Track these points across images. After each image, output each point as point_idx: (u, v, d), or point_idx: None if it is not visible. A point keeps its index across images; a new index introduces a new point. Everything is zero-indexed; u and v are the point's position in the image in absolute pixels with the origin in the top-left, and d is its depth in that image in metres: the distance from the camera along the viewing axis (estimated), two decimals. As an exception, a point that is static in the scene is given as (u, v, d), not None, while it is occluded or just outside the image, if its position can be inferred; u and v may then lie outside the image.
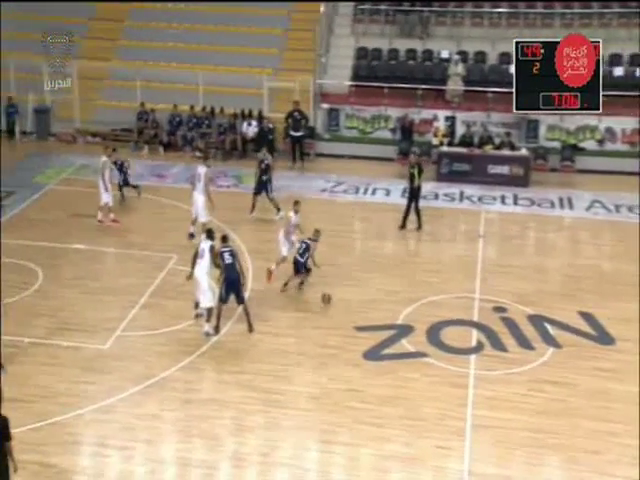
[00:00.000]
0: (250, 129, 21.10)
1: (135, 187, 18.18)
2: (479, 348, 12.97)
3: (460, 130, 20.91)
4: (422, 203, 17.61)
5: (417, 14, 23.11)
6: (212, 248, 12.99)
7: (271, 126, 20.64)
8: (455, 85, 21.46)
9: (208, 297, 12.98)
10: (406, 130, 21.10)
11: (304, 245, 14.32)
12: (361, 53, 22.98)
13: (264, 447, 10.84)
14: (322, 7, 23.11)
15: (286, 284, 14.46)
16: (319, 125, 21.92)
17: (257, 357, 12.75)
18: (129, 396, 11.73)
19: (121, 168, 17.82)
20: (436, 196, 19.11)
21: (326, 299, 14.09)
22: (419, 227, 17.13)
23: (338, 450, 10.84)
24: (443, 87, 21.55)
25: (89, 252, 15.88)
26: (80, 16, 24.42)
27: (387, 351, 12.92)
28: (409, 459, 10.61)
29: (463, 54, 22.26)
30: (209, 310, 13.03)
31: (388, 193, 19.18)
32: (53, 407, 11.34)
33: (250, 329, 13.29)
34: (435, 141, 20.58)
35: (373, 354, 12.83)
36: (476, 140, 20.47)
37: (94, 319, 13.58)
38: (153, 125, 21.49)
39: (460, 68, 21.65)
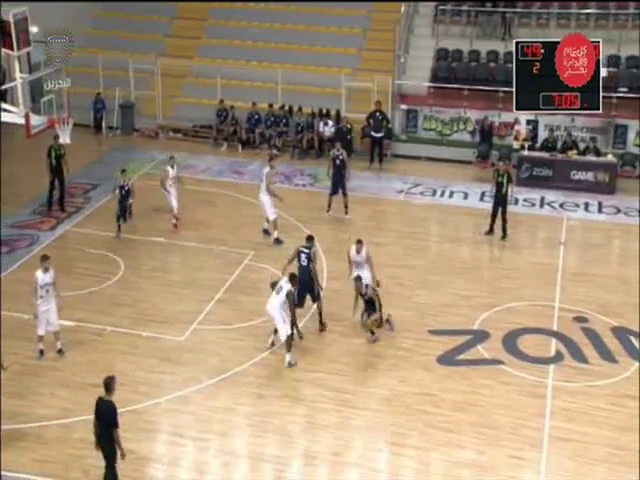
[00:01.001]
0: (327, 128, 21.17)
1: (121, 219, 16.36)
2: (558, 358, 12.65)
3: (542, 134, 20.42)
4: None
5: (500, 15, 22.68)
6: (289, 294, 12.42)
7: (349, 126, 20.63)
8: (538, 88, 20.97)
9: (284, 330, 12.46)
10: (485, 133, 20.77)
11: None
12: (441, 54, 22.70)
13: (335, 446, 10.87)
14: (402, 7, 22.96)
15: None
16: (397, 126, 21.78)
17: (330, 356, 12.78)
18: (204, 388, 11.95)
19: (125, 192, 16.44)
20: (515, 201, 18.66)
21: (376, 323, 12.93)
22: (504, 236, 16.64)
23: (409, 453, 10.77)
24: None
25: (168, 245, 16.25)
26: (164, 15, 25.06)
27: (461, 356, 12.75)
28: (481, 467, 10.45)
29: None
30: (288, 340, 12.51)
31: (466, 196, 18.90)
32: (132, 395, 11.65)
33: (322, 328, 13.32)
34: (516, 145, 20.16)
35: (447, 359, 12.68)
36: (559, 145, 19.95)
37: (172, 311, 13.89)
38: (232, 122, 21.81)
39: (544, 70, 21.14)
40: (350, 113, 21.25)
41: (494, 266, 15.94)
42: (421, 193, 19.16)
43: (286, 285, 12.41)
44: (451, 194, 19.11)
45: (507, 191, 16.51)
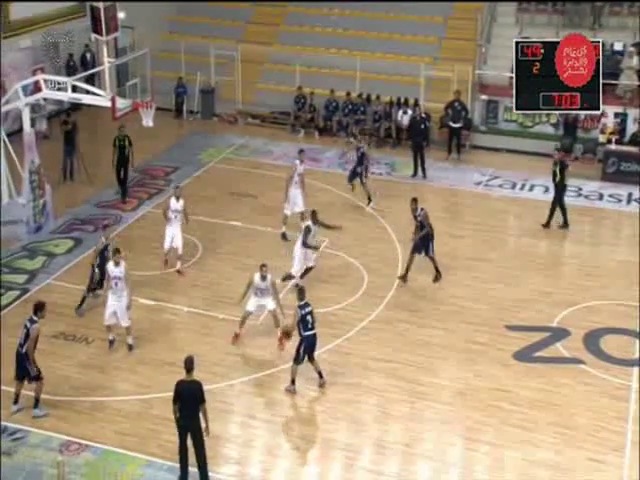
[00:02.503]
0: (405, 117, 20.92)
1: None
2: (643, 361, 12.21)
3: (631, 128, 19.63)
4: (585, 203, 16.92)
5: (589, 3, 21.87)
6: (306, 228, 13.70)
7: (424, 115, 20.19)
8: (628, 80, 20.16)
9: (295, 267, 13.67)
10: (569, 125, 20.11)
11: None
12: (525, 43, 22.07)
13: (407, 437, 10.80)
14: (486, -5, 22.45)
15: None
16: (476, 117, 21.33)
17: (403, 347, 12.68)
18: (277, 372, 12.04)
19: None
20: (600, 196, 18.09)
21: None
22: (547, 224, 16.43)
23: (483, 449, 10.60)
24: (614, 82, 20.28)
25: (244, 229, 16.41)
26: (245, 1, 25.23)
27: (539, 353, 12.44)
28: (559, 468, 10.18)
29: (639, 46, 20.83)
30: (287, 277, 13.75)
31: (547, 190, 18.35)
32: (207, 375, 11.76)
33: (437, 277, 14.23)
34: (602, 138, 19.46)
35: (524, 355, 12.39)
36: (650, 139, 19.18)
37: (247, 295, 13.97)
38: (310, 109, 21.83)
39: (635, 61, 20.30)
40: (429, 102, 20.94)
41: (575, 263, 15.44)
42: (500, 186, 18.74)
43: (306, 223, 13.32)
44: (531, 187, 18.61)
45: (562, 180, 16.26)
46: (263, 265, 12.51)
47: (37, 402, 10.93)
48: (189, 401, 9.66)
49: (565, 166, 16.38)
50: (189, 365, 9.78)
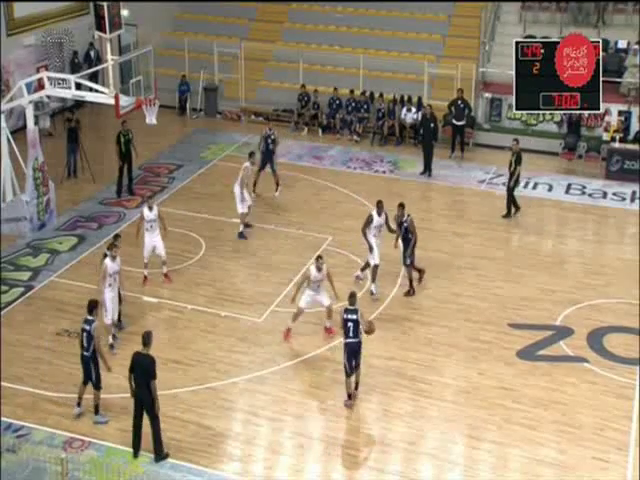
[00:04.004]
0: (409, 115, 20.90)
1: None
2: (647, 359, 12.17)
3: (635, 126, 19.57)
4: (589, 201, 16.99)
5: (593, 0, 21.80)
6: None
7: (428, 114, 20.07)
8: (632, 78, 20.10)
9: (371, 260, 13.50)
10: (573, 123, 20.06)
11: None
12: (529, 41, 22.04)
13: (411, 435, 10.78)
14: (490, -7, 22.40)
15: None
16: (480, 114, 21.30)
17: (407, 345, 12.67)
18: (280, 370, 12.04)
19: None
20: (604, 195, 18.03)
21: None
22: (507, 214, 16.74)
23: (487, 447, 10.58)
24: (618, 80, 20.23)
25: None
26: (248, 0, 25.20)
27: (543, 352, 12.41)
28: (563, 467, 10.16)
29: (643, 44, 20.79)
30: (373, 270, 13.56)
31: (550, 189, 18.34)
32: (210, 372, 11.86)
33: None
34: (606, 136, 19.41)
35: (528, 353, 12.37)
36: (655, 138, 19.14)
37: (251, 292, 14.04)
38: (313, 107, 21.81)
39: (639, 59, 20.25)
40: (432, 100, 20.91)
41: (579, 261, 15.40)
42: (503, 184, 18.59)
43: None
44: (535, 185, 18.56)
45: (514, 171, 16.48)
46: (319, 257, 12.51)
47: (97, 409, 10.82)
48: (140, 373, 9.95)
49: (519, 158, 16.56)
50: (146, 339, 10.07)
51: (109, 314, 12.21)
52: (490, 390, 11.59)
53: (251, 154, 16.26)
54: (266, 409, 11.22)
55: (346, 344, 11.19)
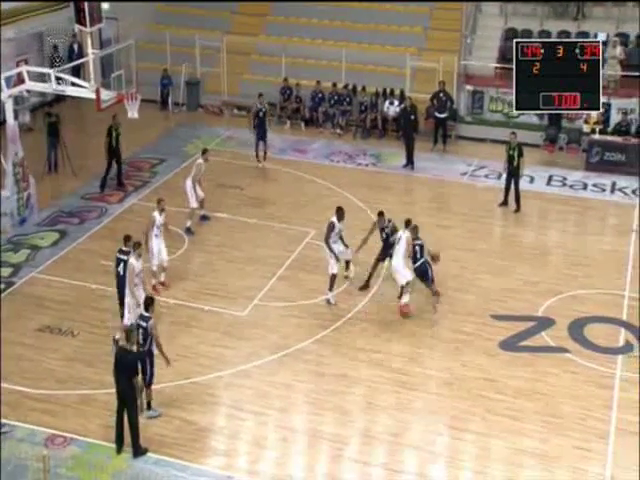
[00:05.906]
0: (392, 108, 20.91)
1: None
2: (627, 349, 12.29)
3: (615, 118, 19.73)
4: (569, 192, 16.99)
5: (573, -7, 21.92)
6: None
7: (408, 106, 20.03)
8: (612, 70, 20.23)
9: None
10: (554, 116, 20.15)
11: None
12: (509, 34, 22.06)
13: (394, 427, 10.82)
14: (471, -15, 22.43)
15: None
16: (462, 107, 21.37)
17: (391, 337, 12.71)
18: (264, 364, 12.04)
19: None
20: (584, 186, 18.16)
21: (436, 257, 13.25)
22: (517, 209, 16.84)
23: (469, 438, 10.65)
24: (598, 72, 20.36)
25: (231, 221, 16.35)
26: (232, -8, 25.08)
27: (525, 343, 12.50)
28: (545, 457, 10.25)
29: (623, 36, 20.92)
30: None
31: (532, 180, 18.44)
32: (194, 367, 11.83)
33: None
34: (586, 128, 19.52)
35: (510, 344, 12.46)
36: (633, 129, 19.24)
37: (234, 286, 14.01)
38: (296, 100, 21.76)
39: (618, 51, 20.39)
40: (414, 93, 20.93)
41: (561, 252, 15.52)
42: (486, 176, 18.80)
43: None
44: (517, 177, 18.65)
45: (518, 164, 16.52)
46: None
47: (149, 405, 10.77)
48: (122, 369, 10.00)
49: (521, 150, 16.66)
50: (129, 335, 10.21)
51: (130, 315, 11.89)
52: (473, 381, 11.66)
53: (204, 151, 16.08)
54: (250, 403, 11.22)
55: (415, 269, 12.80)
